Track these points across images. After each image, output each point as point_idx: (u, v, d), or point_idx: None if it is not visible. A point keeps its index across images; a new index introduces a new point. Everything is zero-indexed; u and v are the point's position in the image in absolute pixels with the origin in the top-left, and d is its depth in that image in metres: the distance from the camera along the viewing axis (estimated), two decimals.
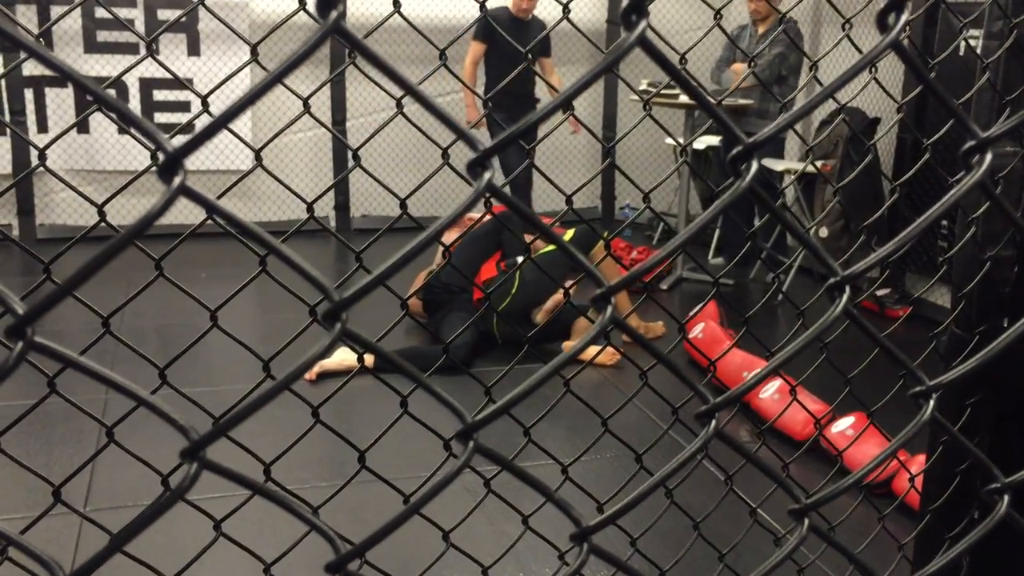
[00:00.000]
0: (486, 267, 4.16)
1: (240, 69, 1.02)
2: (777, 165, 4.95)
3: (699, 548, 1.44)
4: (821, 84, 1.40)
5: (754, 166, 0.43)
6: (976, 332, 1.39)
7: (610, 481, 2.82)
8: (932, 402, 0.57)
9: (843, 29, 1.32)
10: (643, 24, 0.38)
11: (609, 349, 3.71)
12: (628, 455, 1.49)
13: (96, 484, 2.63)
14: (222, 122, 0.37)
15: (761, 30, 5.07)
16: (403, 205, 1.14)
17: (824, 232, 4.82)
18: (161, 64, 1.03)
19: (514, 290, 3.99)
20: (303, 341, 1.18)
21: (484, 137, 5.54)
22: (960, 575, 1.40)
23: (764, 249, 5.13)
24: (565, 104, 0.42)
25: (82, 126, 5.65)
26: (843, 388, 1.46)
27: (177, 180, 0.36)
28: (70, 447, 2.88)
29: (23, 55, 5.32)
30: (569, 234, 4.20)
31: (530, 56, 1.28)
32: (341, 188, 6.08)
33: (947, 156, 4.03)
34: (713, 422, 0.47)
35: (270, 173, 1.06)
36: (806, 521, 0.50)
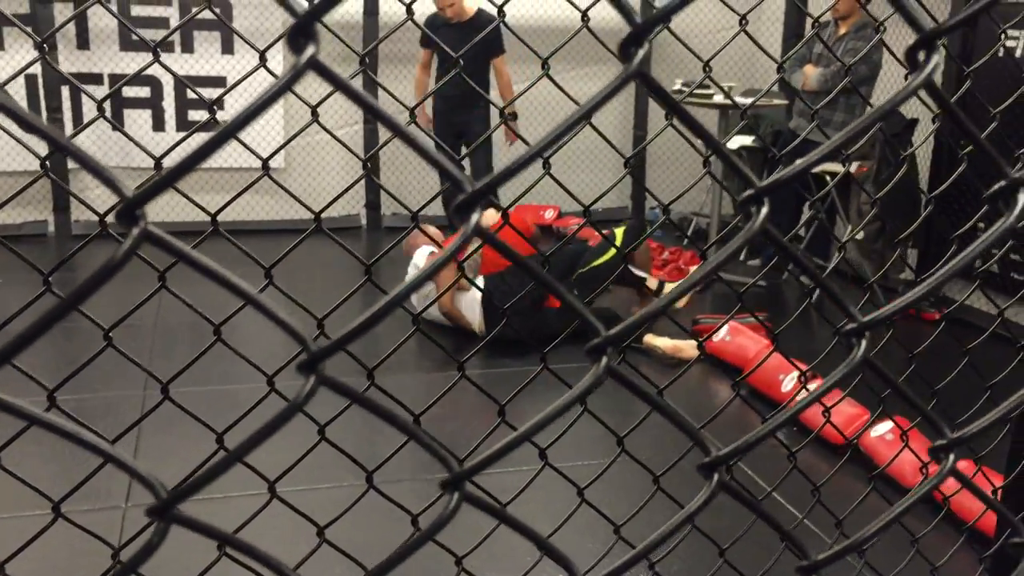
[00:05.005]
0: None
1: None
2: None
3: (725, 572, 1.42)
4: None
5: None
6: None
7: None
8: None
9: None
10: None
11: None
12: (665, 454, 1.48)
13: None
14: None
15: (842, 30, 4.76)
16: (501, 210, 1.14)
17: (860, 235, 4.77)
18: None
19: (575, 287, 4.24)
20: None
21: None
22: None
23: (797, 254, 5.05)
24: (582, 119, 0.41)
25: (117, 123, 5.70)
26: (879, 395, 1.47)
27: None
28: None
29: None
30: (619, 232, 4.41)
31: (463, 60, 1.27)
32: (372, 186, 6.10)
33: (986, 160, 3.94)
34: (716, 476, 0.46)
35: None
36: None
